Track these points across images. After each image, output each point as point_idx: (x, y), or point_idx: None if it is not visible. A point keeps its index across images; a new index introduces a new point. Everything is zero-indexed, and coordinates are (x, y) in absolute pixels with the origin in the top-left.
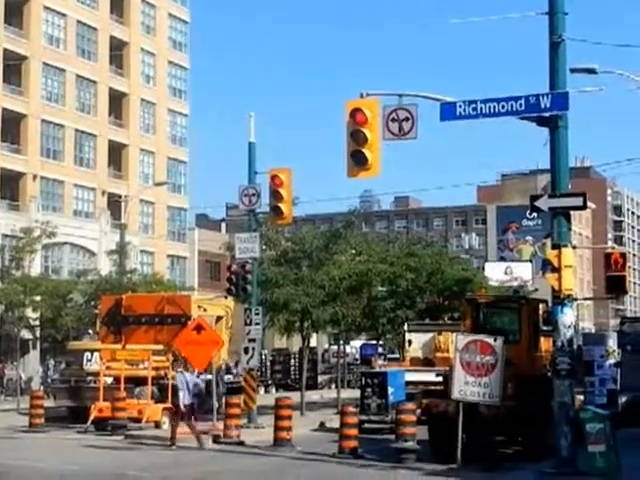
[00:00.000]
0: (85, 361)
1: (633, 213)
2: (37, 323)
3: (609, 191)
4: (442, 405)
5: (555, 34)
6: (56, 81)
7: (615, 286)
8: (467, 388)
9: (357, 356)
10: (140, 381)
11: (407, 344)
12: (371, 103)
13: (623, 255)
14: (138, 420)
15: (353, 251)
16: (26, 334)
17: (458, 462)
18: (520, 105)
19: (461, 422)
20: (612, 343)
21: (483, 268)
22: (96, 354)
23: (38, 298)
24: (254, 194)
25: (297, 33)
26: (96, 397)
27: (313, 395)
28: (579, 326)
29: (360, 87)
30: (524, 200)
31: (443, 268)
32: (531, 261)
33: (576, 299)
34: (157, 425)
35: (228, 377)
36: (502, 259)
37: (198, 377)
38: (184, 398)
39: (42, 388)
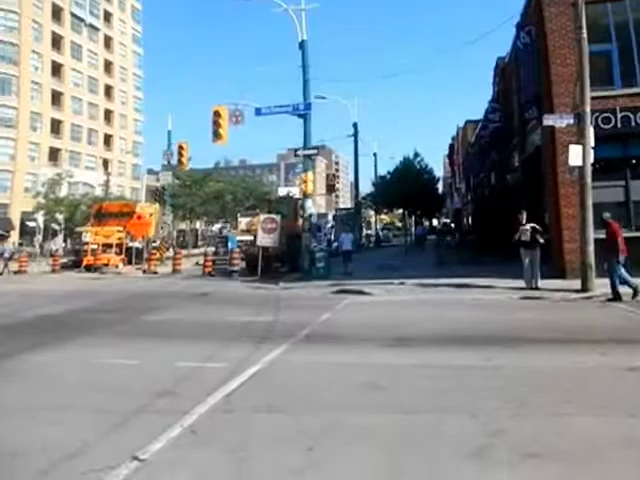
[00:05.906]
0: (82, 236)
1: (339, 163)
2: (62, 220)
3: (334, 155)
4: (252, 249)
5: (305, 76)
6: None
7: (330, 189)
8: (264, 240)
9: (217, 231)
10: (109, 246)
11: (239, 223)
12: (223, 108)
13: (337, 176)
14: (107, 265)
15: (217, 181)
16: (56, 226)
17: (259, 275)
18: (290, 108)
19: (260, 256)
20: (330, 218)
21: (277, 189)
22: (88, 233)
23: (62, 208)
24: (170, 154)
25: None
26: (85, 254)
27: (195, 251)
28: (315, 209)
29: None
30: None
31: (258, 188)
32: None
33: (313, 195)
34: (116, 267)
35: (153, 243)
36: (286, 186)
37: (134, 242)
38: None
39: (62, 253)
